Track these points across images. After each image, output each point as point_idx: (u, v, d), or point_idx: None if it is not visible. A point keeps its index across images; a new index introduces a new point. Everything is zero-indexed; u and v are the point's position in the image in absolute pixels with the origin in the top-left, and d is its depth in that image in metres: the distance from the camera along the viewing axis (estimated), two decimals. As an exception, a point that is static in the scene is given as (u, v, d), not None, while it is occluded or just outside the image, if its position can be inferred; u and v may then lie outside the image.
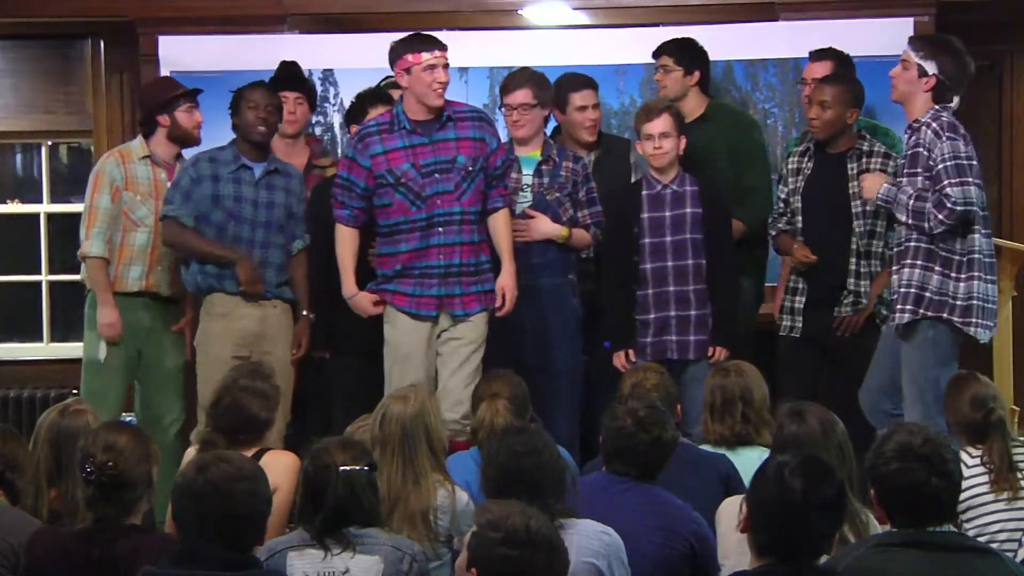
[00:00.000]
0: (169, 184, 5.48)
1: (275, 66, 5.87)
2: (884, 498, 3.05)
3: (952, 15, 6.25)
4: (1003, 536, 3.93)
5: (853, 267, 5.29)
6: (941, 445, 3.04)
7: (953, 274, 4.70)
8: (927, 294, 4.71)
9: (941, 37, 5.19)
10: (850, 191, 5.28)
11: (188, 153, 5.62)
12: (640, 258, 5.25)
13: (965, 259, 4.70)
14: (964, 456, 4.13)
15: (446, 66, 4.94)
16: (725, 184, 5.49)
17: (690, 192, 5.26)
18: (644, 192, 5.29)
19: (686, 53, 5.66)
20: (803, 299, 5.36)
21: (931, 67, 4.72)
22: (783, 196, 5.49)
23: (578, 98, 5.59)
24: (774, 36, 6.35)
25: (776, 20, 6.38)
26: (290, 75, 5.80)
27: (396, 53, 4.95)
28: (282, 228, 5.41)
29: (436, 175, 4.96)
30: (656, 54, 5.70)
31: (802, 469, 2.85)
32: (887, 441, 3.08)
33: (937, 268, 4.71)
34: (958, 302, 4.69)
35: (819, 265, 5.31)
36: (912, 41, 4.86)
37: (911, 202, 4.69)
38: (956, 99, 4.76)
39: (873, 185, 4.86)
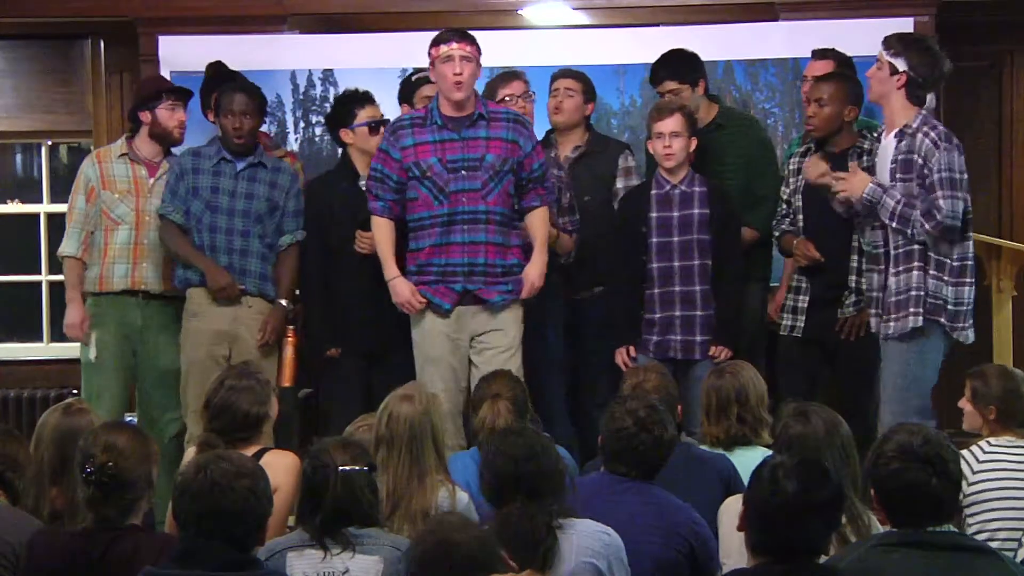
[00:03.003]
0: (151, 181, 5.53)
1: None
2: (884, 498, 3.05)
3: (952, 15, 6.25)
4: (1003, 535, 3.94)
5: (855, 264, 5.26)
6: (941, 445, 3.03)
7: (947, 278, 4.70)
8: (929, 298, 4.71)
9: (912, 35, 5.20)
10: None
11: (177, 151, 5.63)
12: (648, 257, 5.27)
13: (959, 265, 4.71)
14: (976, 451, 4.14)
15: (466, 58, 4.91)
16: (735, 191, 5.48)
17: (698, 193, 5.26)
18: (653, 192, 5.30)
19: (685, 68, 5.57)
20: (806, 298, 5.35)
21: (901, 64, 4.72)
22: (785, 196, 5.48)
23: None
24: (774, 36, 6.35)
25: (776, 20, 6.38)
26: (223, 72, 5.76)
27: (428, 51, 4.97)
28: (261, 219, 5.39)
29: (463, 172, 4.96)
30: (656, 81, 5.59)
31: (796, 471, 2.86)
32: (887, 441, 3.07)
33: (933, 272, 4.71)
34: (949, 306, 4.70)
35: (821, 263, 5.30)
36: (884, 40, 4.83)
37: (898, 207, 4.69)
38: (931, 98, 4.76)
39: (858, 185, 4.84)
